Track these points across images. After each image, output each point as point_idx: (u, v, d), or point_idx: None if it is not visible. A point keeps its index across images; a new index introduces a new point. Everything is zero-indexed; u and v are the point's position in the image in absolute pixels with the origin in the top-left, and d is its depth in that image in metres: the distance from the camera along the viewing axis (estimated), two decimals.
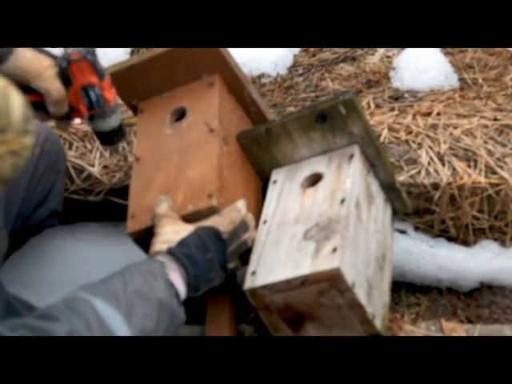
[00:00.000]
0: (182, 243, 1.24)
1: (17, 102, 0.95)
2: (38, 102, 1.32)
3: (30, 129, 0.96)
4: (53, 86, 1.29)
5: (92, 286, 1.11)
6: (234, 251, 1.29)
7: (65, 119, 1.37)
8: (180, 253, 1.22)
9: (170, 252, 1.22)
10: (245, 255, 1.34)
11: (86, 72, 1.27)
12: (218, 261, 1.25)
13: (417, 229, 1.68)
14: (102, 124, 1.33)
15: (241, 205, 1.34)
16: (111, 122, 1.33)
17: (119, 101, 1.35)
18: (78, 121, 1.37)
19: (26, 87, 1.28)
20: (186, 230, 1.28)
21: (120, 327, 1.05)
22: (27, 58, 1.28)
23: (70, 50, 1.27)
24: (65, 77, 1.29)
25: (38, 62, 1.29)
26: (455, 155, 1.69)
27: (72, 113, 1.35)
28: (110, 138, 1.36)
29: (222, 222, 1.29)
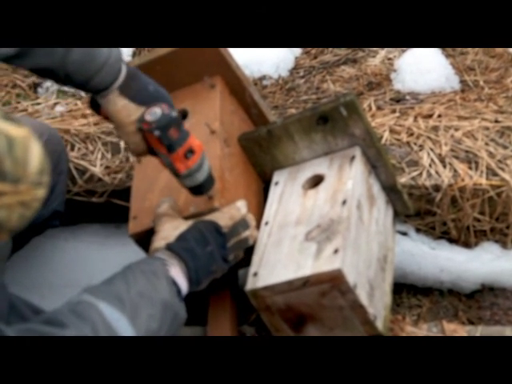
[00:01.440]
0: (181, 237, 1.24)
1: (36, 153, 0.94)
2: None
3: (45, 181, 0.95)
4: (132, 141, 1.27)
5: (96, 288, 1.11)
6: (233, 247, 1.29)
7: None
8: (179, 247, 1.22)
9: (169, 248, 1.22)
10: (246, 256, 1.35)
11: (154, 143, 1.25)
12: (218, 254, 1.25)
13: (418, 230, 1.69)
14: (184, 181, 1.32)
15: (240, 204, 1.34)
16: (194, 180, 1.30)
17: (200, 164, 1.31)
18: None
19: None
20: (185, 224, 1.28)
21: (126, 330, 1.05)
22: (117, 106, 1.25)
23: (146, 114, 1.24)
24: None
25: (125, 114, 1.25)
26: (456, 157, 1.70)
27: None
28: (198, 191, 1.34)
29: (221, 217, 1.29)
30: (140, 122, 1.24)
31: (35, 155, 0.93)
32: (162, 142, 1.24)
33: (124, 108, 1.25)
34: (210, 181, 1.34)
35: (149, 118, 1.23)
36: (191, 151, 1.27)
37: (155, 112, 1.24)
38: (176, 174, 1.30)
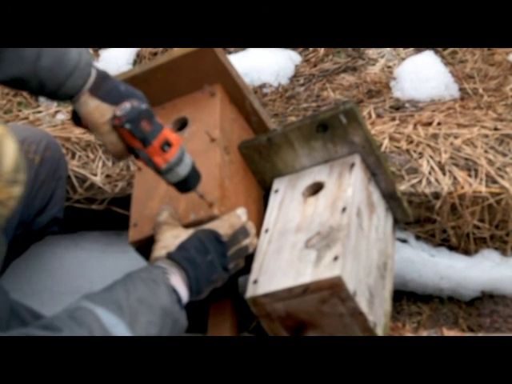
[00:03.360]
0: (182, 247, 1.24)
1: (10, 151, 0.94)
2: None
3: (20, 179, 0.95)
4: (109, 140, 1.27)
5: (95, 295, 1.11)
6: (234, 255, 1.30)
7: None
8: (180, 257, 1.22)
9: (170, 257, 1.23)
10: (246, 263, 1.35)
11: (127, 138, 1.25)
12: (218, 262, 1.25)
13: (418, 238, 1.69)
14: (167, 177, 1.30)
15: (240, 212, 1.34)
16: (176, 175, 1.29)
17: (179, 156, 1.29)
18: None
19: None
20: (185, 233, 1.29)
21: (124, 335, 1.05)
22: (89, 108, 1.26)
23: (117, 110, 1.24)
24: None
25: (98, 115, 1.26)
26: (456, 164, 1.70)
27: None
28: (183, 187, 1.32)
29: (221, 226, 1.30)
30: (112, 119, 1.24)
31: (10, 153, 0.94)
32: (134, 135, 1.24)
33: (96, 109, 1.26)
34: (194, 176, 1.31)
35: (119, 112, 1.24)
36: (168, 144, 1.26)
37: (125, 107, 1.24)
38: (157, 170, 1.28)
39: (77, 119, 1.31)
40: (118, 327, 1.05)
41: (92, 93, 1.26)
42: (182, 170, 1.29)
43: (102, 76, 1.29)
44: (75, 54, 1.25)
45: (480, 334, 1.51)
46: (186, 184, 1.31)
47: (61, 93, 1.26)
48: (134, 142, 1.25)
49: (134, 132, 1.24)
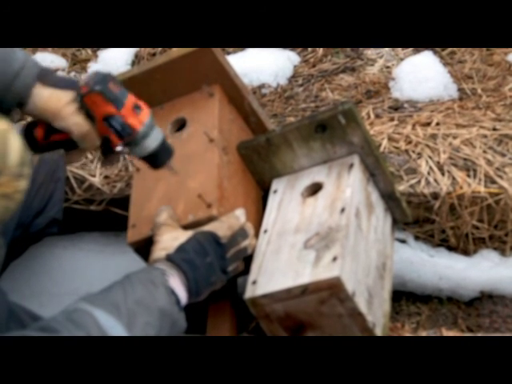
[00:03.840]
0: (181, 249, 1.24)
1: (15, 145, 0.95)
2: (67, 139, 1.25)
3: (26, 173, 0.96)
4: (73, 122, 1.22)
5: (92, 296, 1.11)
6: (233, 257, 1.30)
7: (108, 154, 1.28)
8: (179, 258, 1.22)
9: (169, 258, 1.23)
10: (245, 264, 1.35)
11: (99, 103, 1.20)
12: (217, 264, 1.25)
13: (417, 238, 1.69)
14: (139, 150, 1.25)
15: (239, 213, 1.34)
16: (147, 146, 1.24)
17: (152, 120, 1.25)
18: (118, 149, 1.24)
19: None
20: (185, 235, 1.28)
21: None
22: (44, 97, 1.21)
23: (81, 81, 1.21)
24: (86, 110, 1.22)
25: (55, 101, 1.22)
26: (455, 165, 1.70)
27: (108, 143, 1.25)
28: (155, 161, 1.28)
29: (220, 227, 1.30)
30: (78, 92, 1.20)
31: (15, 148, 0.95)
32: (106, 97, 1.19)
33: (52, 95, 1.22)
34: (165, 151, 1.27)
35: (84, 80, 1.20)
36: (138, 106, 1.22)
37: (88, 75, 1.21)
38: (134, 139, 1.22)
39: (31, 141, 1.25)
40: (115, 329, 1.05)
41: (43, 83, 1.22)
42: (151, 144, 1.25)
43: (47, 70, 1.25)
44: (21, 53, 1.22)
45: (479, 335, 1.51)
46: (157, 159, 1.27)
47: (10, 95, 1.20)
48: (106, 107, 1.20)
49: (106, 93, 1.19)
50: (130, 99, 1.22)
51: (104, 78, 1.20)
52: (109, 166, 1.45)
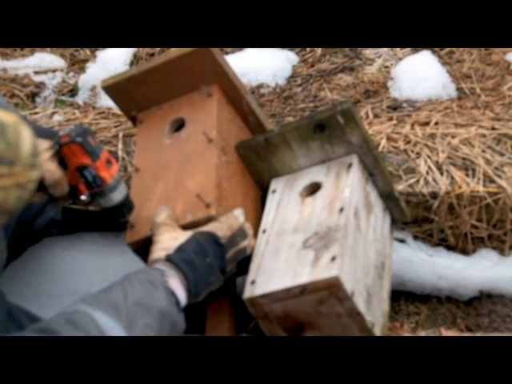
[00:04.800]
0: (180, 249, 1.24)
1: (27, 137, 0.97)
2: (40, 183, 1.28)
3: (37, 163, 0.98)
4: (46, 169, 1.24)
5: (92, 297, 1.11)
6: (232, 257, 1.30)
7: (69, 199, 1.36)
8: (178, 259, 1.22)
9: (169, 259, 1.23)
10: (244, 264, 1.35)
11: (77, 154, 1.26)
12: (217, 265, 1.25)
13: (416, 238, 1.69)
14: (103, 202, 1.33)
15: (238, 213, 1.34)
16: (113, 199, 1.32)
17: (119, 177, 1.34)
18: (83, 198, 1.33)
19: None
20: (184, 235, 1.28)
21: None
22: None
23: (61, 132, 1.26)
24: (60, 158, 1.28)
25: None
26: (453, 164, 1.70)
27: (75, 192, 1.33)
28: (115, 214, 1.36)
29: (219, 228, 1.30)
30: (56, 141, 1.25)
31: (26, 139, 0.97)
32: (84, 148, 1.26)
33: None
34: (126, 206, 1.36)
35: (65, 131, 1.26)
36: (110, 162, 1.31)
37: (68, 127, 1.27)
38: (100, 191, 1.30)
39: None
40: (115, 331, 1.05)
41: None
42: (117, 196, 1.33)
43: (29, 121, 1.29)
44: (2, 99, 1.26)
45: (478, 334, 1.51)
46: (119, 211, 1.35)
47: None
48: (83, 158, 1.27)
49: (85, 145, 1.26)
50: (105, 154, 1.31)
51: (85, 131, 1.27)
52: (54, 207, 1.51)
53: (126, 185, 1.35)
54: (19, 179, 0.95)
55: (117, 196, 1.33)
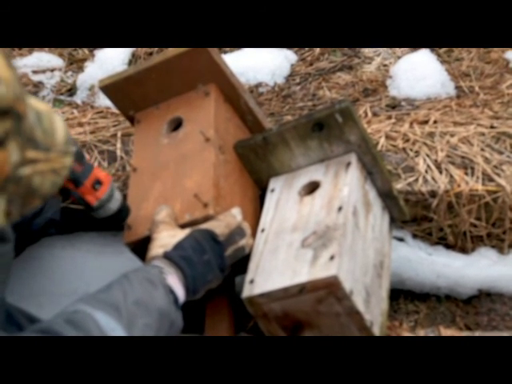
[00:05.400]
0: (179, 246, 1.24)
1: (60, 124, 0.99)
2: None
3: (70, 150, 1.00)
4: None
5: (92, 297, 1.10)
6: (230, 255, 1.30)
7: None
8: (177, 256, 1.22)
9: (167, 256, 1.23)
10: (242, 263, 1.35)
11: None
12: (215, 262, 1.25)
13: (415, 236, 1.68)
14: (99, 213, 1.37)
15: (236, 211, 1.34)
16: (107, 211, 1.36)
17: (108, 196, 1.36)
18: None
19: None
20: (182, 233, 1.28)
21: None
22: None
23: None
24: None
25: None
26: (452, 163, 1.70)
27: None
28: (113, 222, 1.39)
29: (217, 225, 1.30)
30: None
31: (60, 127, 0.99)
32: (68, 175, 1.26)
33: None
34: (124, 210, 1.38)
35: None
36: (99, 182, 1.33)
37: None
38: (88, 207, 1.34)
39: None
40: (116, 331, 1.05)
41: None
42: (113, 205, 1.36)
43: None
44: None
45: (477, 333, 1.50)
46: (118, 217, 1.38)
47: None
48: (66, 183, 1.30)
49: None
50: (91, 177, 1.33)
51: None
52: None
53: (119, 196, 1.37)
54: (54, 165, 0.97)
55: (111, 206, 1.36)
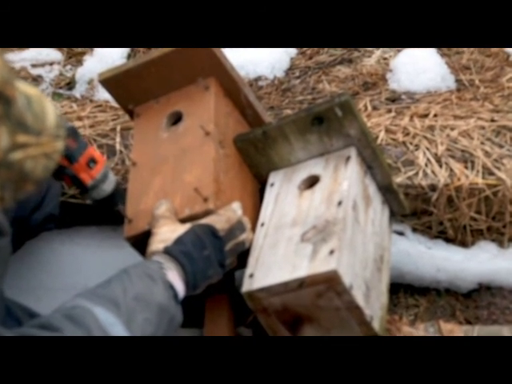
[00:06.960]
0: (179, 241, 1.24)
1: (51, 108, 0.99)
2: None
3: (62, 134, 1.00)
4: None
5: (91, 292, 1.10)
6: (231, 250, 1.29)
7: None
8: (177, 251, 1.22)
9: (167, 251, 1.22)
10: (242, 258, 1.34)
11: None
12: (215, 258, 1.25)
13: (415, 230, 1.68)
14: (88, 196, 1.38)
15: (236, 206, 1.34)
16: (100, 193, 1.37)
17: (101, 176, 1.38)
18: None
19: None
20: (183, 228, 1.28)
21: (121, 335, 1.05)
22: None
23: None
24: None
25: None
26: (452, 156, 1.69)
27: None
28: (107, 204, 1.40)
29: (218, 221, 1.29)
30: None
31: (50, 111, 0.98)
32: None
33: None
34: (119, 193, 1.39)
35: None
36: (93, 161, 1.33)
37: None
38: (82, 187, 1.34)
39: None
40: (115, 326, 1.05)
41: None
42: (108, 186, 1.37)
43: None
44: None
45: (477, 327, 1.50)
46: (111, 201, 1.39)
47: None
48: (61, 160, 1.28)
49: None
50: (86, 155, 1.33)
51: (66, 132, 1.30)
52: None
53: (113, 179, 1.38)
54: (46, 149, 0.97)
55: (105, 188, 1.37)
